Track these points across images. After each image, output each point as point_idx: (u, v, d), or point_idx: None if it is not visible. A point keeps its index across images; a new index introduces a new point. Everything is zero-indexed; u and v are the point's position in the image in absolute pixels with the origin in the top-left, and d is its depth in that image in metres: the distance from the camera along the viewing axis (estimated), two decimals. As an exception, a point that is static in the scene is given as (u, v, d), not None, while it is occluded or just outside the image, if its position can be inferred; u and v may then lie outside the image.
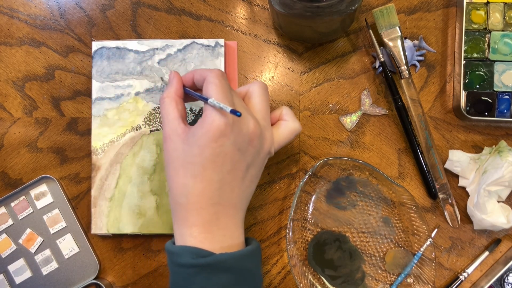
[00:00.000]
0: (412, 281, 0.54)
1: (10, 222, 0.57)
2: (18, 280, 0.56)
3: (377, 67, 0.56)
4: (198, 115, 0.55)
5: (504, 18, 0.55)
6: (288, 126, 0.47)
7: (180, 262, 0.39)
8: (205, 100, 0.41)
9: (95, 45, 0.56)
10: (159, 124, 0.56)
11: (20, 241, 0.56)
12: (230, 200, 0.42)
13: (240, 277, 0.40)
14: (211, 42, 0.56)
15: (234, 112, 0.39)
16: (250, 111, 0.44)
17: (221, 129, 0.39)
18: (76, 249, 0.56)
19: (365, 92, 0.57)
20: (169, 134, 0.42)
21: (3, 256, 0.56)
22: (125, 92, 0.56)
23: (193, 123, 0.55)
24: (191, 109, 0.55)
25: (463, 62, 0.54)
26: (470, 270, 0.54)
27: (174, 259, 0.40)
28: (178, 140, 0.41)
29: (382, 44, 0.55)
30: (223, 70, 0.55)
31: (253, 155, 0.43)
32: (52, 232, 0.56)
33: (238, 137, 0.41)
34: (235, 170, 0.41)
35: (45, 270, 0.56)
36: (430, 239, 0.53)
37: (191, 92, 0.45)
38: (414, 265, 0.54)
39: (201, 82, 0.43)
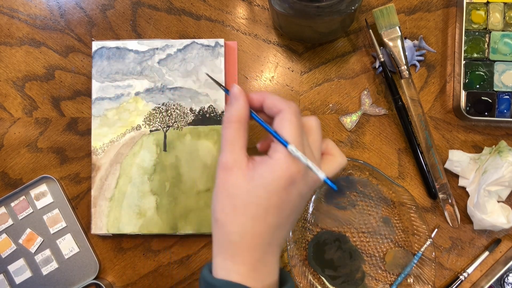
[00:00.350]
0: (412, 281, 0.54)
1: (10, 222, 0.57)
2: (18, 280, 0.56)
3: (377, 67, 0.56)
4: (197, 114, 0.55)
5: (504, 18, 0.55)
6: (337, 161, 0.45)
7: None
8: (278, 138, 0.38)
9: (95, 45, 0.56)
10: (159, 124, 0.56)
11: (20, 241, 0.56)
12: (279, 240, 0.41)
13: None
14: (211, 42, 0.56)
15: (330, 184, 0.37)
16: (313, 151, 0.42)
17: (294, 178, 0.38)
18: (76, 249, 0.56)
19: (365, 92, 0.57)
20: (230, 166, 0.39)
21: (3, 256, 0.56)
22: (125, 92, 0.56)
23: (192, 123, 0.55)
24: (191, 109, 0.55)
25: (463, 62, 0.54)
26: (470, 270, 0.54)
27: None
28: (240, 176, 0.39)
29: (382, 44, 0.55)
30: (223, 70, 0.55)
31: (308, 198, 0.43)
32: (52, 232, 0.56)
33: (305, 185, 0.40)
34: (292, 214, 0.41)
35: (45, 270, 0.56)
36: (430, 239, 0.53)
37: (261, 122, 0.41)
38: (414, 265, 0.54)
39: (273, 112, 0.40)
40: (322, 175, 0.38)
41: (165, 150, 0.55)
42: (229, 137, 0.40)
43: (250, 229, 0.39)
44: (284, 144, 0.38)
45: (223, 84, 0.53)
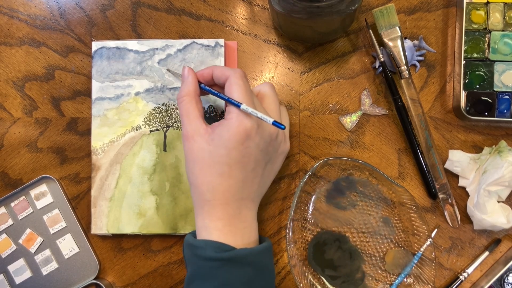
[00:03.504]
0: (412, 281, 0.54)
1: (10, 222, 0.57)
2: (18, 280, 0.56)
3: (377, 67, 0.56)
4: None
5: (504, 18, 0.55)
6: (284, 109, 0.51)
7: (204, 255, 0.42)
8: (229, 101, 0.43)
9: (95, 45, 0.56)
10: (159, 124, 0.56)
11: (20, 241, 0.56)
12: (251, 194, 0.45)
13: (258, 271, 0.43)
14: (211, 42, 0.56)
15: (277, 124, 0.41)
16: (266, 112, 0.46)
17: (248, 132, 0.42)
18: (76, 249, 0.56)
19: (365, 92, 0.57)
20: (191, 134, 0.44)
21: (3, 256, 0.56)
22: (125, 92, 0.56)
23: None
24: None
25: (463, 62, 0.54)
26: (470, 270, 0.54)
27: (197, 252, 0.42)
28: (202, 141, 0.43)
29: (382, 44, 0.55)
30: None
31: (271, 153, 0.46)
32: (52, 232, 0.56)
33: (261, 138, 0.44)
34: (257, 167, 0.45)
35: (45, 270, 0.56)
36: (430, 239, 0.53)
37: (211, 90, 0.46)
38: (414, 265, 0.54)
39: (222, 80, 0.45)
40: (270, 120, 0.41)
41: (165, 150, 0.55)
42: (183, 110, 0.45)
43: (218, 185, 0.43)
44: (237, 104, 0.42)
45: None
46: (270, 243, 0.46)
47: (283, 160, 0.50)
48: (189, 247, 0.44)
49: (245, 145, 0.42)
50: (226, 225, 0.43)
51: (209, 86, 0.47)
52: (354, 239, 0.55)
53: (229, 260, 0.41)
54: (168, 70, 0.55)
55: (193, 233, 0.46)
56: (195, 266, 0.43)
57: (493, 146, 0.55)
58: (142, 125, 0.56)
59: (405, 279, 0.54)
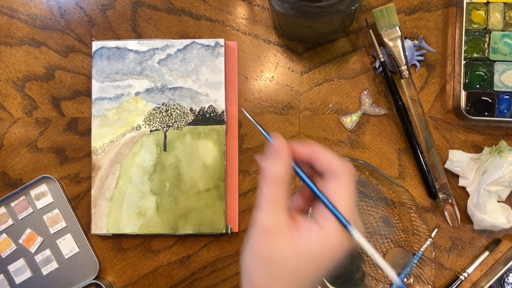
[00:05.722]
0: (412, 281, 0.54)
1: (10, 222, 0.57)
2: (18, 280, 0.56)
3: (377, 67, 0.56)
4: (197, 114, 0.55)
5: (504, 18, 0.55)
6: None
7: None
8: (342, 222, 0.34)
9: (95, 45, 0.56)
10: (159, 124, 0.56)
11: (20, 241, 0.56)
12: None
13: None
14: (211, 42, 0.56)
15: (396, 280, 0.34)
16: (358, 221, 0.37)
17: (346, 251, 0.35)
18: (76, 249, 0.56)
19: (365, 92, 0.57)
20: (269, 228, 0.35)
21: (3, 256, 0.56)
22: (125, 92, 0.56)
23: (192, 123, 0.55)
24: (191, 109, 0.55)
25: (463, 62, 0.54)
26: (470, 270, 0.54)
27: None
28: (283, 243, 0.34)
29: (382, 44, 0.55)
30: (223, 70, 0.55)
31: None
32: (52, 232, 0.56)
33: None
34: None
35: (45, 270, 0.56)
36: (430, 239, 0.53)
37: (306, 180, 0.36)
38: (414, 265, 0.54)
39: (324, 169, 0.36)
40: (396, 280, 0.34)
41: (165, 150, 0.55)
42: (269, 196, 0.35)
43: None
44: (345, 224, 0.34)
45: (254, 119, 0.44)
46: None
47: None
48: None
49: (338, 262, 0.35)
50: None
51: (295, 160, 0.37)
52: (354, 239, 0.55)
53: None
54: (243, 111, 0.46)
55: None
56: None
57: (493, 146, 0.55)
58: (142, 125, 0.56)
59: (405, 279, 0.54)
